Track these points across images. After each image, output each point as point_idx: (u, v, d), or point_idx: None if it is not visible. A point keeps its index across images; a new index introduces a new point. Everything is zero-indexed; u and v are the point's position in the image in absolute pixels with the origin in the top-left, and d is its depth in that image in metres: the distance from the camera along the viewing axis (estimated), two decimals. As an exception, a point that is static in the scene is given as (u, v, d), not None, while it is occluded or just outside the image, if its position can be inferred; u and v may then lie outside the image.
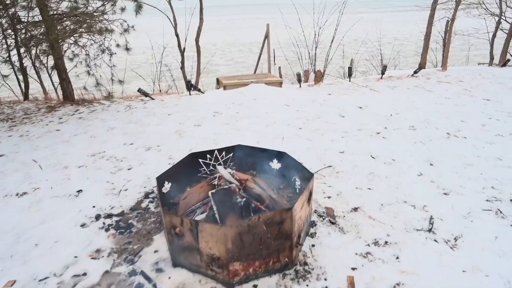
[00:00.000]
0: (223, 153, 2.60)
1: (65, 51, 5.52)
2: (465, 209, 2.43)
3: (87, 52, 5.57)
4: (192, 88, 5.69)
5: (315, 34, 5.86)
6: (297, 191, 2.37)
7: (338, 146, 3.55)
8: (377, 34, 9.66)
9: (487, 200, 2.52)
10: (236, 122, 4.32)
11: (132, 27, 5.48)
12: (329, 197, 2.65)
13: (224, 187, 2.08)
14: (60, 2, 4.85)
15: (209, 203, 2.04)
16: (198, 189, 2.22)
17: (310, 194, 2.12)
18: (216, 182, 2.18)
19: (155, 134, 4.03)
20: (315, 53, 5.91)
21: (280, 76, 7.32)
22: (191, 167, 2.53)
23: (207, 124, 4.29)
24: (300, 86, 5.87)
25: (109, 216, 2.51)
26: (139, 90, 5.50)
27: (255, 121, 4.32)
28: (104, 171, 3.21)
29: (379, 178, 2.93)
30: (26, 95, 6.53)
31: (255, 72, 7.64)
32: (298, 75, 5.80)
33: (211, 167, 2.60)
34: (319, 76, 5.92)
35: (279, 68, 7.29)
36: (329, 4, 6.27)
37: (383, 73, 6.26)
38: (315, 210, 2.47)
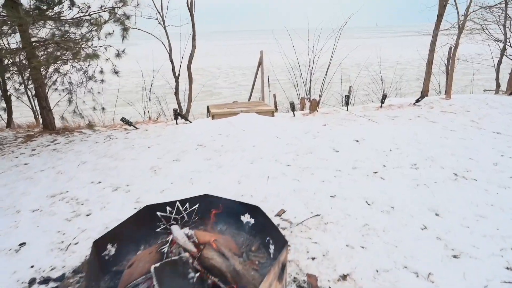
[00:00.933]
0: (187, 204, 2.19)
1: (49, 78, 5.26)
2: (481, 280, 1.97)
3: (70, 80, 5.31)
4: (179, 117, 5.36)
5: (309, 62, 5.58)
6: (271, 255, 1.93)
7: (329, 189, 3.12)
8: (378, 58, 9.44)
9: (507, 268, 2.05)
10: (219, 157, 3.93)
11: (123, 51, 5.23)
12: (313, 259, 2.20)
13: (173, 258, 1.65)
14: (40, 28, 4.62)
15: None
16: (146, 256, 1.79)
17: (283, 266, 1.68)
18: (166, 249, 1.76)
19: (128, 170, 3.64)
20: (310, 81, 5.60)
21: (275, 104, 7.00)
22: (147, 222, 2.11)
23: (187, 159, 3.91)
24: (294, 115, 5.52)
25: (46, 281, 2.07)
26: (122, 119, 5.18)
27: (240, 155, 3.93)
28: (59, 218, 2.80)
29: (375, 232, 2.48)
30: (8, 123, 6.26)
31: (249, 99, 7.35)
32: (292, 104, 5.46)
33: (172, 221, 2.18)
34: (314, 105, 5.57)
35: (274, 95, 6.98)
36: (326, 31, 6.04)
37: (382, 102, 5.90)
38: (294, 278, 2.02)
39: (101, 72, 5.26)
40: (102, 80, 5.28)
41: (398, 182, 3.24)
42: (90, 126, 5.04)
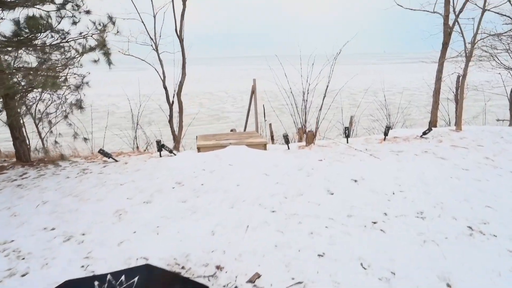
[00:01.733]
0: (123, 277, 1.71)
1: (22, 107, 4.97)
2: None
3: (46, 109, 5.03)
4: (163, 149, 4.96)
5: (303, 93, 5.19)
6: None
7: (318, 244, 2.61)
8: (385, 84, 9.07)
9: None
10: (196, 198, 3.47)
11: (87, 83, 4.96)
12: None
13: None
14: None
15: None
16: None
17: None
18: None
19: (89, 214, 3.19)
20: (305, 112, 5.19)
21: (271, 134, 6.59)
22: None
23: (160, 201, 3.45)
24: (288, 148, 5.06)
25: None
26: (100, 151, 4.80)
27: (220, 197, 3.45)
28: (-12, 278, 2.33)
29: (370, 311, 1.94)
30: (-14, 152, 5.95)
31: (245, 129, 6.95)
32: (285, 136, 5.02)
33: (103, 299, 1.69)
34: (311, 137, 5.12)
35: (270, 125, 6.58)
36: (321, 57, 5.67)
37: (386, 134, 5.41)
38: None
39: (72, 104, 4.95)
40: (67, 115, 4.97)
41: (401, 236, 2.71)
42: (63, 158, 4.66)
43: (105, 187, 3.82)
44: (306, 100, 5.20)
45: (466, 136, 5.61)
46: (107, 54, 4.70)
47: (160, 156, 5.01)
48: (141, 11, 7.13)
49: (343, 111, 7.72)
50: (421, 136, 5.62)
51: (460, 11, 6.04)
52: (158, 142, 4.95)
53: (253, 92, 6.11)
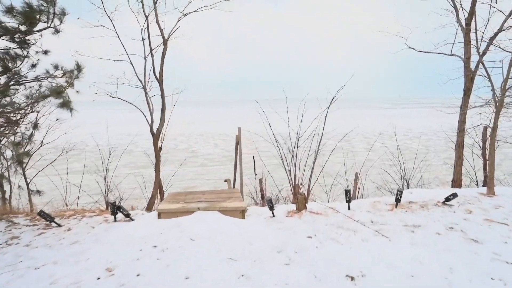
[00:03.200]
0: None
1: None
2: None
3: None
4: (119, 212, 4.04)
5: (291, 150, 4.24)
6: None
7: None
8: (395, 127, 8.07)
9: None
10: (120, 301, 2.45)
11: (36, 126, 4.28)
12: None
13: None
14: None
15: None
16: None
17: None
18: None
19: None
20: (295, 172, 4.23)
21: (262, 191, 5.58)
22: None
23: (69, 303, 2.44)
24: (273, 216, 4.02)
25: None
26: (40, 214, 3.92)
27: (153, 302, 2.42)
28: None
29: None
30: None
31: (233, 186, 6.00)
32: (269, 201, 4.01)
33: None
34: (302, 202, 4.09)
35: (260, 180, 5.61)
36: (313, 102, 4.80)
37: (398, 200, 4.32)
38: None
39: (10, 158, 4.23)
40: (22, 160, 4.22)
41: None
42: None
43: (12, 273, 2.86)
44: (296, 157, 4.26)
45: (502, 204, 4.43)
46: (67, 103, 4.03)
47: (115, 220, 4.08)
48: (133, 53, 6.72)
49: (354, 155, 6.71)
50: (443, 202, 4.48)
51: (484, 53, 5.16)
52: (112, 204, 4.04)
53: (237, 143, 5.24)
